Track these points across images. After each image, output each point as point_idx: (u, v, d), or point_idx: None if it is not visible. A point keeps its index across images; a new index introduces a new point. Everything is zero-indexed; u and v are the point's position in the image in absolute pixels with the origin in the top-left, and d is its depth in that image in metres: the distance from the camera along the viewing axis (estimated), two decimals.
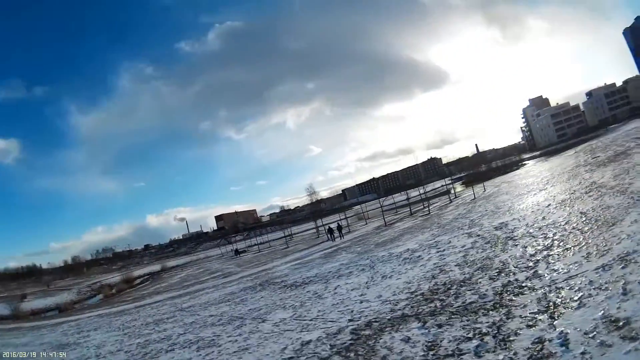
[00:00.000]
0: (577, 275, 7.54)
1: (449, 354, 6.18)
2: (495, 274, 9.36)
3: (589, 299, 6.37)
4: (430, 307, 8.51)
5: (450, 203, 36.97)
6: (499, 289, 8.26)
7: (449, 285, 9.67)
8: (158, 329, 14.35)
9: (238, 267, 35.71)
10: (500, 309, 7.25)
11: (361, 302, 10.39)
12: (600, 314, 5.76)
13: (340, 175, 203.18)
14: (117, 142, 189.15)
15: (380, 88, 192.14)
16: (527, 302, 7.14)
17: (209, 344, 10.43)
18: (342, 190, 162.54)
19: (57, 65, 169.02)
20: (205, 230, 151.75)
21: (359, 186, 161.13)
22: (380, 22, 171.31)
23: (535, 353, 5.45)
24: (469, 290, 8.89)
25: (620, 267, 7.14)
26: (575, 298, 6.57)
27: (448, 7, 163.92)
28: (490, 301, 7.79)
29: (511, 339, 6.06)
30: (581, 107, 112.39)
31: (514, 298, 7.53)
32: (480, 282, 9.17)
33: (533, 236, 11.86)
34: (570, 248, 9.34)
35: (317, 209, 61.68)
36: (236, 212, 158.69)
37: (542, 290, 7.43)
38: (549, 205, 16.40)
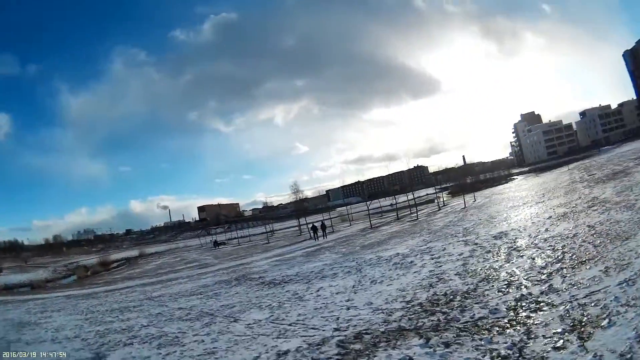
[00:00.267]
0: (599, 290, 6.75)
1: None
2: (504, 287, 8.34)
3: (618, 316, 5.59)
4: (432, 320, 7.29)
5: (439, 210, 36.42)
6: (511, 304, 7.22)
7: (451, 296, 8.49)
8: (122, 317, 13.23)
9: (215, 259, 35.03)
10: (518, 327, 6.17)
11: (348, 309, 9.11)
12: (633, 333, 5.03)
13: (325, 175, 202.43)
14: (105, 125, 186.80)
15: (371, 91, 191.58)
16: (549, 319, 6.17)
17: (172, 341, 9.09)
18: (326, 191, 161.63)
19: (51, 43, 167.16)
20: (187, 220, 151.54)
21: (344, 188, 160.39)
22: (375, 25, 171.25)
23: None
24: (476, 303, 7.75)
25: None
26: (603, 316, 5.77)
27: (445, 15, 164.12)
28: (503, 317, 6.70)
29: None
30: (574, 126, 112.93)
31: (531, 315, 6.52)
32: (487, 295, 8.09)
33: (539, 248, 11.02)
34: (585, 261, 8.57)
35: (300, 208, 60.35)
36: (219, 205, 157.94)
37: (563, 306, 6.51)
38: (550, 217, 15.82)
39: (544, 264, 9.24)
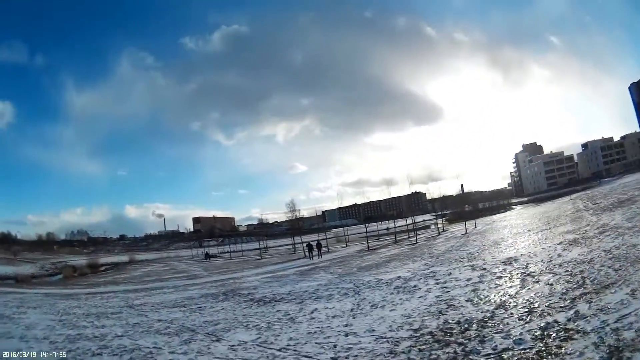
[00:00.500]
0: (630, 313, 6.30)
1: None
2: (524, 314, 7.48)
3: None
4: (447, 353, 6.24)
5: (438, 235, 35.39)
6: (537, 332, 6.42)
7: (466, 325, 7.46)
8: (97, 323, 12.42)
9: (205, 271, 34.14)
10: (550, 359, 5.40)
11: (347, 335, 8.00)
12: None
13: (322, 196, 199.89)
14: (107, 126, 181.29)
15: (373, 115, 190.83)
16: (583, 348, 5.51)
17: (144, 357, 8.03)
18: (323, 212, 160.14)
19: (61, 36, 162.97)
20: (181, 231, 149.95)
21: (340, 210, 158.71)
22: (383, 50, 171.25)
23: None
24: (495, 332, 6.79)
25: None
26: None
27: (454, 43, 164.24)
28: (531, 348, 5.86)
29: None
30: (575, 158, 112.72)
31: (562, 344, 5.80)
32: (508, 323, 7.15)
33: (555, 273, 10.31)
34: (608, 285, 8.05)
35: (296, 226, 59.12)
36: (214, 217, 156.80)
37: (596, 333, 5.91)
38: (560, 243, 15.21)
39: (564, 290, 8.53)
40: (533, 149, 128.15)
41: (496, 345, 6.19)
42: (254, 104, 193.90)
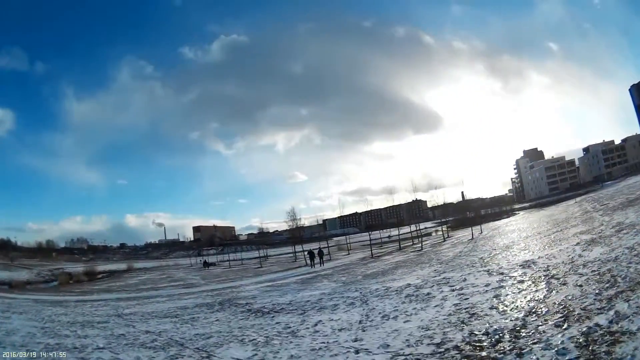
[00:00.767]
0: None
1: None
2: (560, 320, 6.55)
3: None
4: None
5: (444, 241, 34.31)
6: (579, 339, 5.61)
7: (497, 336, 6.41)
8: (80, 333, 11.73)
9: (203, 279, 33.29)
10: None
11: (357, 352, 6.93)
12: None
13: (322, 205, 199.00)
14: (106, 135, 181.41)
15: (373, 124, 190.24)
16: (633, 350, 4.93)
17: None
18: (323, 220, 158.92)
19: (61, 44, 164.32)
20: (182, 240, 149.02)
21: (341, 218, 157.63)
22: (382, 59, 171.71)
23: None
24: (533, 342, 5.83)
25: None
26: None
27: (453, 52, 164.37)
28: (577, 357, 5.11)
29: None
30: (576, 162, 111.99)
31: (610, 348, 5.15)
32: (544, 331, 6.20)
33: (581, 274, 9.39)
34: None
35: (296, 234, 58.05)
36: (214, 226, 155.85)
37: None
38: (578, 243, 14.27)
39: (597, 290, 7.70)
40: (534, 155, 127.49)
41: (537, 359, 5.27)
42: (253, 114, 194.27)
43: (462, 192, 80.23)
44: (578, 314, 6.66)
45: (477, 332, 6.80)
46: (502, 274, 11.90)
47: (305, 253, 35.46)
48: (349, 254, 41.43)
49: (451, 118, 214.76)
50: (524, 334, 6.28)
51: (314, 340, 8.15)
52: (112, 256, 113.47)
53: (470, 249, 22.15)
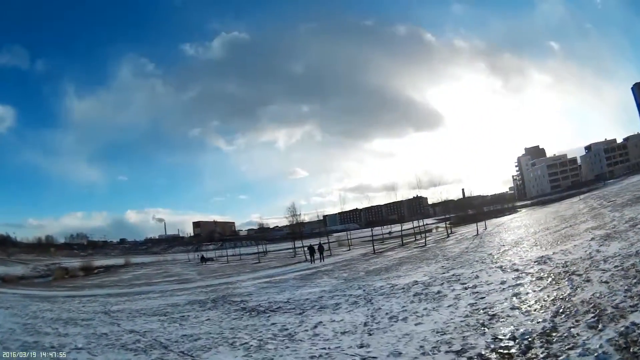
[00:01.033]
0: None
1: None
2: (593, 320, 5.78)
3: None
4: None
5: (447, 237, 33.51)
6: (619, 341, 4.96)
7: (525, 341, 5.53)
8: (61, 331, 11.21)
9: (198, 275, 32.63)
10: None
11: None
12: None
13: (322, 202, 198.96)
14: (107, 132, 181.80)
15: (373, 122, 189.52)
16: None
17: None
18: (324, 216, 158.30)
19: (62, 42, 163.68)
20: (182, 235, 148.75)
21: (341, 214, 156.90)
22: (383, 57, 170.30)
23: None
24: (569, 348, 5.08)
25: None
26: None
27: (454, 50, 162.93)
28: None
29: None
30: (578, 160, 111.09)
31: None
32: (578, 334, 5.46)
33: (603, 269, 8.63)
34: None
35: (296, 230, 57.29)
36: (215, 222, 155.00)
37: None
38: (592, 238, 13.48)
39: (625, 287, 7.00)
40: (535, 153, 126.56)
41: None
42: (254, 111, 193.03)
43: (463, 190, 79.50)
44: (611, 312, 5.97)
45: (501, 337, 5.89)
46: (517, 270, 11.04)
47: (305, 248, 34.67)
48: (349, 249, 40.83)
49: (452, 116, 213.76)
50: (556, 338, 5.47)
51: (313, 345, 7.21)
52: (111, 251, 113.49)
53: (476, 245, 21.33)
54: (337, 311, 9.96)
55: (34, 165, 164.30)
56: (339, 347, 6.85)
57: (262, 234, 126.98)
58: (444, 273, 13.32)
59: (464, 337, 6.26)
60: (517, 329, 6.06)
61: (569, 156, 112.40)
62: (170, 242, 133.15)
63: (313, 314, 10.09)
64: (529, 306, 7.22)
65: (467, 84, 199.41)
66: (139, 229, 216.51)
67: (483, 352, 5.45)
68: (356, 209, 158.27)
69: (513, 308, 7.29)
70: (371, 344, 6.73)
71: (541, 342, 5.40)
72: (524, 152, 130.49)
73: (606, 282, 7.59)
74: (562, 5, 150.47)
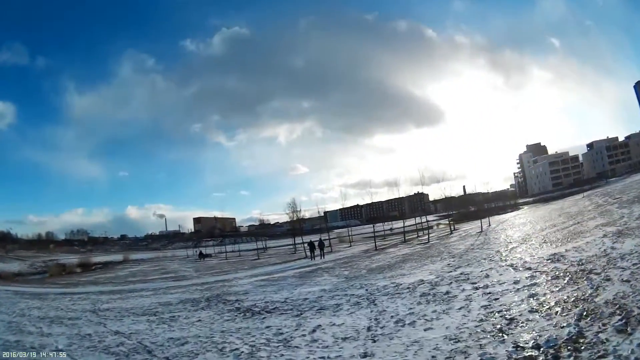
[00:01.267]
0: None
1: None
2: (621, 324, 5.26)
3: None
4: None
5: (450, 234, 32.80)
6: None
7: (551, 350, 4.92)
8: (46, 330, 10.81)
9: (196, 271, 31.89)
10: None
11: None
12: None
13: (323, 197, 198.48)
14: (108, 128, 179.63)
15: (374, 117, 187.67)
16: None
17: None
18: (324, 212, 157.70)
19: (62, 38, 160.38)
20: (182, 231, 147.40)
21: (342, 211, 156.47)
22: (384, 53, 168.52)
23: None
24: (599, 356, 4.55)
25: None
26: None
27: (455, 46, 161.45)
28: None
29: None
30: (580, 158, 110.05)
31: None
32: (606, 339, 4.92)
33: (622, 267, 8.15)
34: None
35: (297, 226, 56.68)
36: (215, 218, 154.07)
37: None
38: (604, 235, 13.01)
39: None
40: (537, 150, 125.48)
41: None
42: (254, 106, 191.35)
43: (464, 187, 79.11)
44: (638, 314, 5.48)
45: (523, 345, 5.22)
46: (529, 269, 10.40)
47: (305, 245, 33.99)
48: (350, 246, 40.13)
49: (453, 112, 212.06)
50: (584, 345, 4.86)
51: (311, 352, 6.49)
52: (110, 247, 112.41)
53: (482, 242, 20.64)
54: (338, 313, 9.26)
55: (35, 162, 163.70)
56: (340, 356, 6.15)
57: (263, 230, 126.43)
58: (451, 271, 12.64)
59: (480, 344, 5.59)
60: (540, 335, 5.42)
61: (571, 154, 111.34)
62: (170, 238, 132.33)
63: (311, 316, 9.39)
64: (549, 308, 6.57)
65: (468, 80, 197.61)
66: (139, 225, 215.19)
67: None
68: (357, 205, 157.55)
69: (532, 311, 6.63)
70: (376, 353, 6.03)
71: (569, 350, 4.79)
72: (525, 149, 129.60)
73: (627, 281, 7.09)
74: (563, 2, 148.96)
